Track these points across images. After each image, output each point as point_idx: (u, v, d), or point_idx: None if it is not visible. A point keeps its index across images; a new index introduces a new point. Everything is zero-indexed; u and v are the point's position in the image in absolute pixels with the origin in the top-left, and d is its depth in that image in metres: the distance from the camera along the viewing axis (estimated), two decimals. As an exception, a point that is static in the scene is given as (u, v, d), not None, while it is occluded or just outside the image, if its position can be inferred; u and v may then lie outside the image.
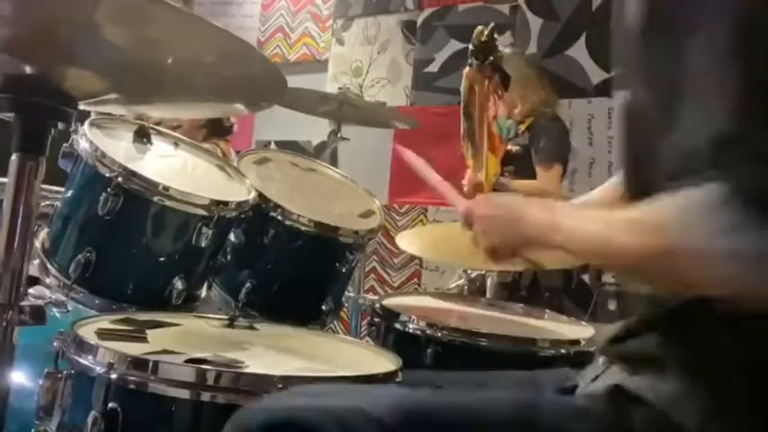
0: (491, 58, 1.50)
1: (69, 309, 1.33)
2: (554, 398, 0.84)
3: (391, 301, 1.61)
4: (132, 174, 1.20)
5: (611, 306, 3.19)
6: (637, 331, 0.77)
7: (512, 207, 0.89)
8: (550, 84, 2.90)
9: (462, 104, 1.58)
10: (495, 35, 1.48)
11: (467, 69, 1.54)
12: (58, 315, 1.32)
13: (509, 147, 2.68)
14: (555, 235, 0.79)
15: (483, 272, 2.53)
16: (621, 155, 0.81)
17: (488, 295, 2.58)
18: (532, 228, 0.83)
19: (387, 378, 0.95)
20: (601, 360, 0.84)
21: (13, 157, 0.91)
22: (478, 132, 1.59)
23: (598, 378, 0.82)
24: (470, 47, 1.50)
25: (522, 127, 2.76)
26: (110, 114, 1.31)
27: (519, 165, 2.68)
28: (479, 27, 1.50)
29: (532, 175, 2.65)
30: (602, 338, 0.84)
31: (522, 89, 2.69)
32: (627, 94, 0.76)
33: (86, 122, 1.26)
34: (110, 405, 0.85)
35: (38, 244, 1.28)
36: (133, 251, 1.26)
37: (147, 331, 1.05)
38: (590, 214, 0.81)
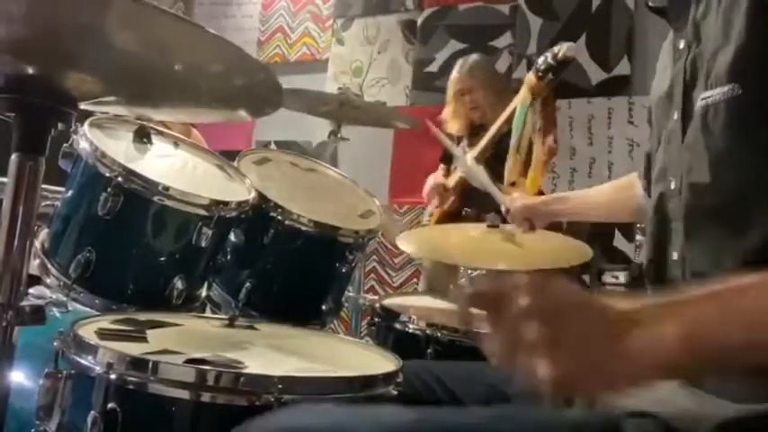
0: (559, 79, 1.51)
1: (69, 309, 1.32)
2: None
3: (391, 301, 1.61)
4: (132, 173, 1.20)
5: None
6: None
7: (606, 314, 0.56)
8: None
9: (521, 112, 1.56)
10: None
11: (533, 80, 1.52)
12: (58, 315, 1.32)
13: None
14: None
15: (483, 271, 2.51)
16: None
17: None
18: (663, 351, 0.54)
19: (387, 378, 0.95)
20: None
21: (13, 157, 0.91)
22: (537, 142, 1.57)
23: None
24: (548, 59, 1.47)
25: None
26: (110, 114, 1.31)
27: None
28: (565, 45, 1.48)
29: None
30: None
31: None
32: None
33: (86, 122, 1.26)
34: (109, 405, 0.85)
35: (38, 244, 1.28)
36: (133, 251, 1.26)
37: (147, 331, 1.05)
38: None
